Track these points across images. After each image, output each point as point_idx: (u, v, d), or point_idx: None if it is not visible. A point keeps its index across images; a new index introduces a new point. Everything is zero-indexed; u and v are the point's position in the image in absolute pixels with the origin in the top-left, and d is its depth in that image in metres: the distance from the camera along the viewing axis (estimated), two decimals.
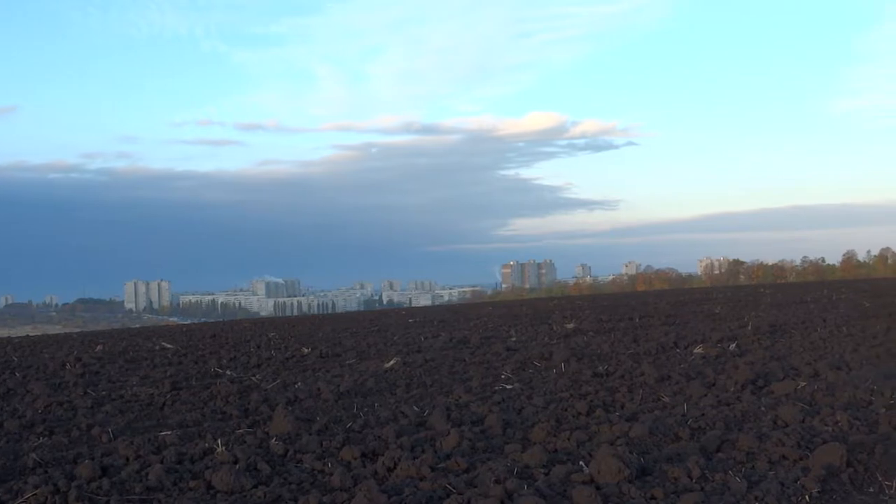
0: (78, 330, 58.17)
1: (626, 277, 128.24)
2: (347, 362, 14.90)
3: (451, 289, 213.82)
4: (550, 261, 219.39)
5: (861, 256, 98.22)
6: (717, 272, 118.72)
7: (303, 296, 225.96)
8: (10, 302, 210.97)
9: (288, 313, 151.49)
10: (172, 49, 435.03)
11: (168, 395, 11.20)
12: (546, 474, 6.23)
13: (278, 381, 12.45)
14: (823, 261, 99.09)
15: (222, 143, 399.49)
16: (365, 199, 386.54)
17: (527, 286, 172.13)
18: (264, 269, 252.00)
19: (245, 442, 7.88)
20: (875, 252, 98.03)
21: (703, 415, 8.39)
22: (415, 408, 9.51)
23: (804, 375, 11.01)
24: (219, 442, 7.64)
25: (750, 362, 12.29)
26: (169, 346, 19.75)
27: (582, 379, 11.50)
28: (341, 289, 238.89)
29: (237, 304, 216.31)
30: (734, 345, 14.93)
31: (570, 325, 21.65)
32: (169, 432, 8.30)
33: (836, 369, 11.26)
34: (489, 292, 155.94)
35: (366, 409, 9.74)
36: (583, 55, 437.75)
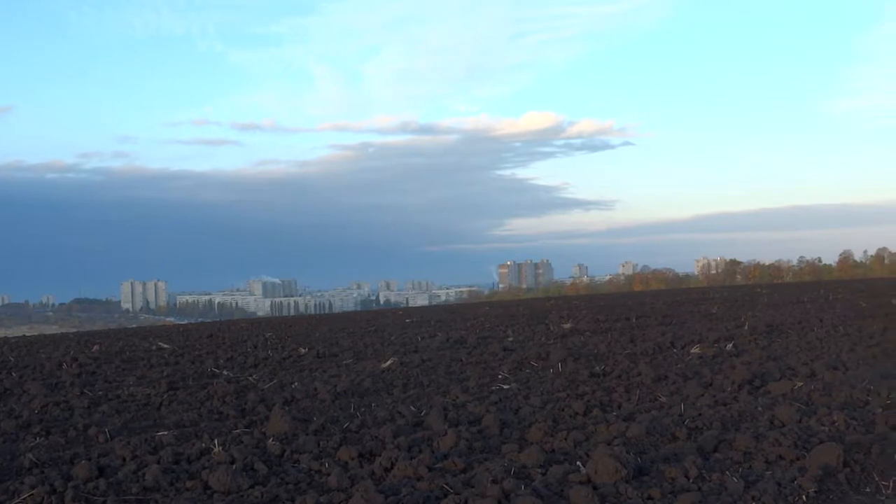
0: (74, 330, 58.14)
1: (622, 277, 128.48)
2: (344, 362, 14.89)
3: (448, 289, 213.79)
4: (547, 261, 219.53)
5: (858, 256, 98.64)
6: (713, 272, 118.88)
7: (300, 296, 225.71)
8: (6, 302, 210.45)
9: (285, 313, 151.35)
10: (169, 49, 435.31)
11: (165, 396, 11.18)
12: (543, 474, 6.23)
13: (275, 381, 12.44)
14: (820, 261, 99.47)
15: (219, 143, 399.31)
16: (362, 199, 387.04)
17: (524, 286, 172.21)
18: (261, 269, 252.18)
19: (242, 442, 7.87)
20: (872, 252, 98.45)
21: (699, 415, 8.40)
22: (412, 408, 9.51)
23: (801, 375, 11.03)
24: (215, 442, 7.64)
25: (747, 362, 12.31)
26: (165, 346, 19.72)
27: (579, 379, 11.50)
28: (338, 289, 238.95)
29: (234, 304, 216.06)
30: (731, 345, 14.95)
31: (567, 325, 21.66)
32: (165, 432, 8.29)
33: (832, 369, 11.28)
34: (486, 292, 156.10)
35: (363, 410, 9.73)
36: (579, 55, 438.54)
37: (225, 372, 13.90)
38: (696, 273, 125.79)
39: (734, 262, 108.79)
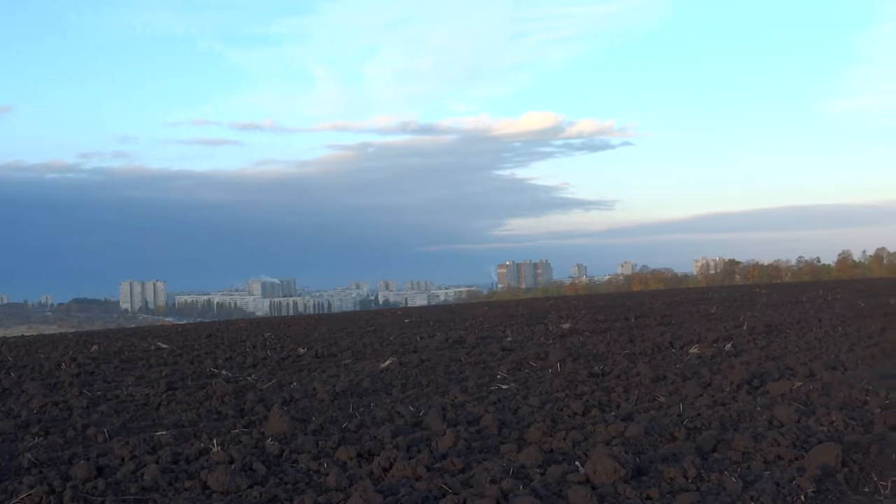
0: (73, 330, 58.13)
1: (621, 277, 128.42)
2: (343, 362, 14.89)
3: (447, 289, 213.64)
4: (546, 261, 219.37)
5: (856, 256, 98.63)
6: (712, 272, 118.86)
7: (299, 296, 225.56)
8: (5, 301, 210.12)
9: (284, 313, 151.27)
10: (168, 49, 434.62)
11: (163, 396, 11.18)
12: (542, 474, 6.23)
13: (274, 381, 12.44)
14: (819, 261, 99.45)
15: (218, 143, 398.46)
16: (361, 199, 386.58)
17: (523, 286, 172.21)
18: (260, 269, 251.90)
19: (241, 442, 7.87)
20: (870, 252, 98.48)
21: (698, 415, 8.41)
22: (410, 408, 9.51)
23: (800, 375, 11.03)
24: (214, 442, 7.63)
25: (745, 362, 12.32)
26: (164, 346, 19.71)
27: (578, 379, 11.50)
28: (337, 289, 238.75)
29: (233, 304, 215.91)
30: (730, 345, 14.96)
31: (566, 325, 21.67)
32: (164, 432, 8.29)
33: (831, 369, 11.28)
34: (485, 292, 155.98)
35: (361, 410, 9.73)
36: (579, 55, 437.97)
37: (224, 372, 13.90)
38: (695, 273, 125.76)
39: (733, 262, 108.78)
